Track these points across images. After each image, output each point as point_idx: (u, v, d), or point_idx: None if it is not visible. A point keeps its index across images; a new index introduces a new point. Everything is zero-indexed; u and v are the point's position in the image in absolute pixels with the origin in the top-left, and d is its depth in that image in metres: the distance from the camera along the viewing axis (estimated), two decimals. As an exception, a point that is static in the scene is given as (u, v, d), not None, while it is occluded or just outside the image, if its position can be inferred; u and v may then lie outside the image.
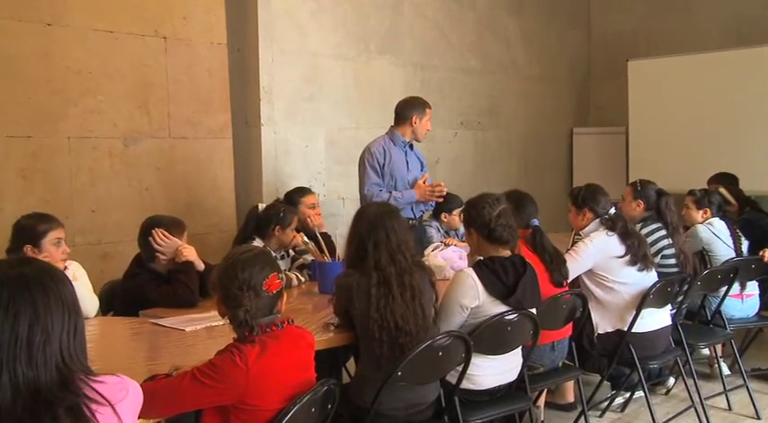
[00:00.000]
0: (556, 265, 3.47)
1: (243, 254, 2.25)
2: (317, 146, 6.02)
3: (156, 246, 3.45)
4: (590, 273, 3.83)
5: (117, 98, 4.84)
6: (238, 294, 2.18)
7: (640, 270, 3.79)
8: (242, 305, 2.17)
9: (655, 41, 8.02)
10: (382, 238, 2.81)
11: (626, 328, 3.77)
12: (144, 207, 4.82)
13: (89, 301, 3.21)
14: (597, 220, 3.91)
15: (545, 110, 8.17)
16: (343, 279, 2.85)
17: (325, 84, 6.04)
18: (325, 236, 4.16)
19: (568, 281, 3.62)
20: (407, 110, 4.73)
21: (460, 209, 5.16)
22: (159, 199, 5.02)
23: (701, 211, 4.78)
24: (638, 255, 3.78)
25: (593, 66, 8.73)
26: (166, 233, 3.46)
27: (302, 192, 4.67)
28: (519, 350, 3.19)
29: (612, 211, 3.97)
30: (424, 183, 4.71)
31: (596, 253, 3.79)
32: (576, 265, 3.76)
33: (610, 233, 3.81)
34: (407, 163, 4.76)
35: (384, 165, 4.67)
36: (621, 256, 3.77)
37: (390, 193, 4.62)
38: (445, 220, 5.10)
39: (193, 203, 5.24)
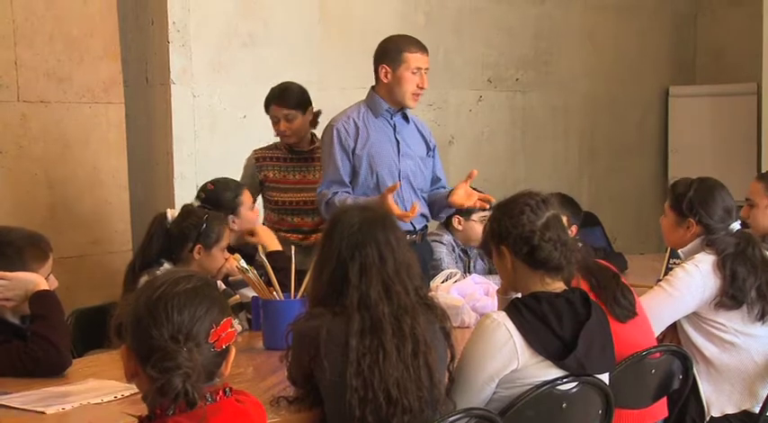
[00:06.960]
0: (605, 286, 3.51)
1: (177, 284, 2.27)
2: (260, 116, 6.05)
3: None
4: (697, 317, 3.89)
5: None
6: (171, 349, 2.17)
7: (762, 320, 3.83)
8: (179, 366, 2.16)
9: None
10: (373, 258, 2.88)
11: (758, 410, 3.83)
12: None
13: None
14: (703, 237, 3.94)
15: (625, 58, 8.24)
16: (306, 324, 2.90)
17: (272, 17, 6.10)
18: (283, 258, 4.19)
19: (651, 324, 3.66)
20: (376, 57, 4.78)
21: (484, 214, 5.26)
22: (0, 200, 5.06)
23: None
24: (744, 295, 3.78)
25: (706, -15, 8.80)
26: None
27: (241, 184, 4.76)
28: (581, 440, 3.27)
29: (737, 226, 3.97)
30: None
31: (704, 287, 3.84)
32: (669, 304, 3.83)
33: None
34: (397, 143, 4.82)
35: (355, 149, 4.74)
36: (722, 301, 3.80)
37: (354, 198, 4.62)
38: (460, 227, 5.21)
39: (60, 208, 5.25)
